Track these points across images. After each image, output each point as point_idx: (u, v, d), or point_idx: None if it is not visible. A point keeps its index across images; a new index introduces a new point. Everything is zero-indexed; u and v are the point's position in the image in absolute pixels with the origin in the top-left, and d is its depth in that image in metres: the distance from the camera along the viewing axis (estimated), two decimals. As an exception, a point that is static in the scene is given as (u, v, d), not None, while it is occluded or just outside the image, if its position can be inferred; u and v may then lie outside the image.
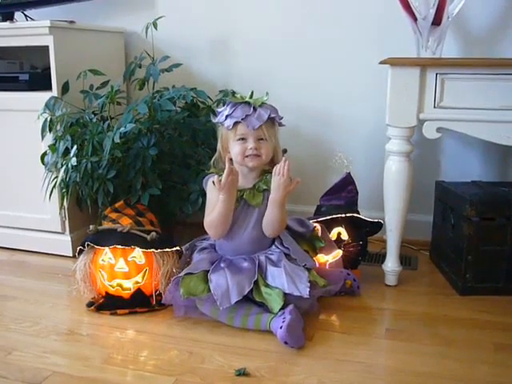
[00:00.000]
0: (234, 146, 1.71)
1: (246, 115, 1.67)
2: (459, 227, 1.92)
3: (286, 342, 1.53)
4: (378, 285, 1.97)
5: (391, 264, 1.95)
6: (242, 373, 1.42)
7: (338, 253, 1.96)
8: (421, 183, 2.19)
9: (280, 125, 1.76)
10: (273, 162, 1.77)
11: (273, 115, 1.69)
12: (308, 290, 1.61)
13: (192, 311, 1.70)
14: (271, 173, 1.74)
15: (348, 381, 1.40)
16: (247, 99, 1.71)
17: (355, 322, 1.71)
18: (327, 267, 1.93)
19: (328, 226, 1.98)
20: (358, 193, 2.07)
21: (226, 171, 1.64)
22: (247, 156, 1.69)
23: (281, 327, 1.53)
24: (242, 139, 1.69)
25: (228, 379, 1.41)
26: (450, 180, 2.17)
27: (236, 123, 1.68)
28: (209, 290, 1.64)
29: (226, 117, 1.70)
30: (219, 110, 1.76)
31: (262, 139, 1.69)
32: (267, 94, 1.74)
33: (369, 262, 2.14)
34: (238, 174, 1.68)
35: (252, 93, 1.73)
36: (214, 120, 1.76)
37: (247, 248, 1.75)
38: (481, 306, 1.81)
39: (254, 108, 1.69)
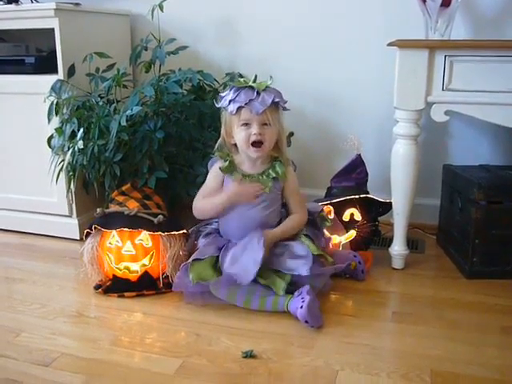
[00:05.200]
0: (239, 131, 1.70)
1: (250, 100, 1.65)
2: (467, 211, 1.92)
3: (306, 321, 1.54)
4: (385, 268, 1.97)
5: (398, 247, 1.94)
6: (249, 355, 1.43)
7: (351, 234, 1.99)
8: (428, 166, 2.18)
9: (284, 109, 1.73)
10: (277, 147, 1.77)
11: (277, 99, 1.67)
12: (308, 268, 1.62)
13: (203, 297, 1.70)
14: (280, 161, 1.76)
15: (354, 363, 1.40)
16: (250, 83, 1.68)
17: (362, 305, 1.72)
18: (340, 248, 1.96)
19: (341, 207, 2.00)
20: (367, 174, 2.08)
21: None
22: (252, 145, 1.68)
23: (301, 307, 1.54)
24: (246, 124, 1.68)
25: (235, 361, 1.41)
26: (458, 163, 2.16)
27: (239, 108, 1.67)
28: (218, 275, 1.65)
29: (230, 102, 1.68)
30: (222, 94, 1.74)
31: (265, 124, 1.68)
32: (271, 77, 1.72)
33: (376, 246, 2.14)
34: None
35: (256, 77, 1.70)
36: (218, 105, 1.75)
37: (253, 230, 1.76)
38: (488, 290, 1.81)
39: (257, 92, 1.67)
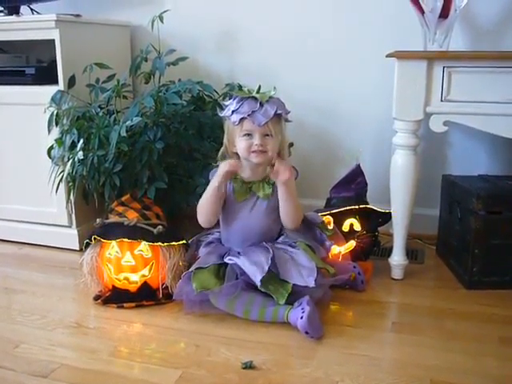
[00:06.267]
0: (240, 141, 1.71)
1: (253, 111, 1.66)
2: (466, 221, 1.92)
3: (307, 332, 1.54)
4: (385, 278, 1.97)
5: (397, 258, 1.94)
6: (249, 366, 1.42)
7: (351, 244, 1.99)
8: (427, 177, 2.18)
9: (286, 120, 1.74)
10: (279, 156, 1.78)
11: (279, 111, 1.68)
12: (314, 280, 1.62)
13: (202, 306, 1.69)
14: None
15: (354, 374, 1.40)
16: (254, 94, 1.70)
17: (361, 316, 1.72)
18: (340, 258, 1.96)
19: (341, 217, 2.00)
20: (367, 184, 2.08)
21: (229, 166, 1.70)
22: (253, 152, 1.69)
23: (301, 317, 1.54)
24: (248, 135, 1.69)
25: (235, 372, 1.41)
26: (457, 174, 2.16)
27: (242, 119, 1.68)
28: (220, 284, 1.65)
29: (233, 112, 1.69)
30: (226, 103, 1.75)
31: (267, 135, 1.69)
32: (275, 88, 1.72)
33: (376, 256, 2.14)
34: (240, 168, 1.73)
35: (259, 87, 1.71)
36: (221, 114, 1.76)
37: (254, 239, 1.77)
38: (487, 300, 1.81)
39: (260, 103, 1.67)
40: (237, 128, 1.70)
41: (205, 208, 1.78)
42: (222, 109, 1.76)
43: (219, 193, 1.74)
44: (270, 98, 1.70)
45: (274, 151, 1.72)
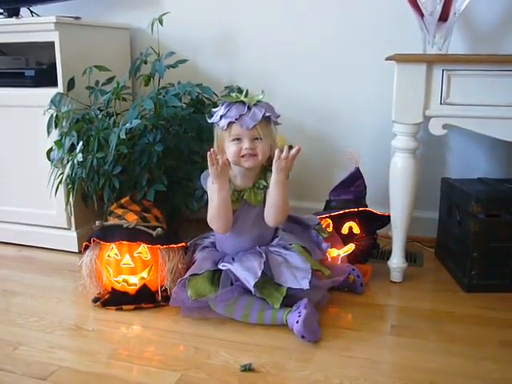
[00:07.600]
0: (230, 146, 1.69)
1: (240, 115, 1.64)
2: (465, 224, 1.92)
3: (303, 336, 1.54)
4: (384, 281, 1.97)
5: (397, 261, 1.94)
6: (248, 368, 1.42)
7: (350, 247, 1.99)
8: (426, 180, 2.19)
9: (276, 123, 1.72)
10: (270, 160, 1.76)
11: (267, 114, 1.66)
12: (308, 282, 1.62)
13: (200, 311, 1.69)
14: (271, 170, 1.70)
15: (353, 377, 1.40)
16: (242, 98, 1.68)
17: (361, 319, 1.71)
18: (339, 261, 1.96)
19: (340, 220, 2.01)
20: (366, 187, 2.09)
21: (209, 162, 1.62)
22: (243, 156, 1.67)
23: (297, 321, 1.54)
24: (237, 139, 1.67)
25: (233, 375, 1.41)
26: (456, 177, 2.16)
27: (230, 123, 1.66)
28: (216, 290, 1.66)
29: (221, 117, 1.68)
30: (214, 110, 1.73)
31: (257, 138, 1.67)
32: (263, 92, 1.70)
33: (374, 259, 2.14)
34: (227, 164, 1.67)
35: (247, 91, 1.70)
36: (209, 120, 1.74)
37: (248, 246, 1.77)
38: (486, 303, 1.81)
39: (248, 107, 1.66)
40: (225, 133, 1.68)
41: (218, 213, 1.69)
42: (211, 116, 1.73)
43: (225, 191, 1.67)
44: (258, 101, 1.69)
45: (265, 154, 1.70)
